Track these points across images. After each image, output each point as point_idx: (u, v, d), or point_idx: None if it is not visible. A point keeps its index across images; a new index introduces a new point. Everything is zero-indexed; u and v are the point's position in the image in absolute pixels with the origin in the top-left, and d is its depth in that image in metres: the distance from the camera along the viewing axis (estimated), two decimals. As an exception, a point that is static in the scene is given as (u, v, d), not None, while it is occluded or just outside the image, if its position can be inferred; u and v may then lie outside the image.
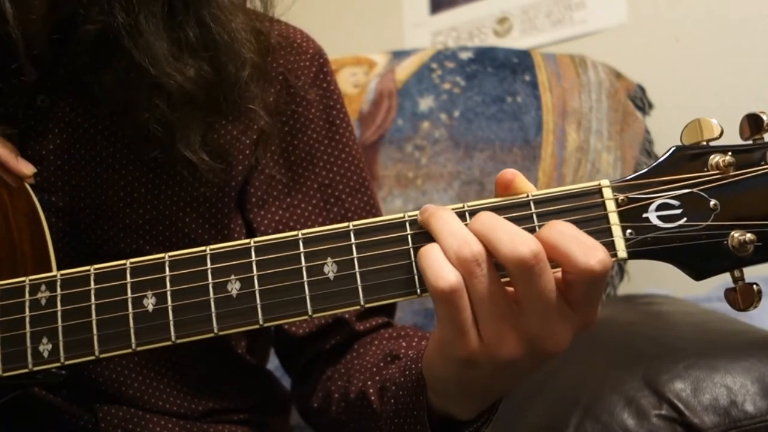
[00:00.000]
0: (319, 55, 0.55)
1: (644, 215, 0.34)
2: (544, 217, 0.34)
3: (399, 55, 0.96)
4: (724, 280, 0.36)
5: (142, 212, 0.48)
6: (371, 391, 0.45)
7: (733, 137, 0.35)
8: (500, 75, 0.89)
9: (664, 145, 0.58)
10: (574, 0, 1.06)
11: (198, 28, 0.45)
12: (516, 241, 0.31)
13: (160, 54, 0.43)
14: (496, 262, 0.32)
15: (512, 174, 0.35)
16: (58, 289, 0.38)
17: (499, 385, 0.36)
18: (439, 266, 0.32)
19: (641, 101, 0.90)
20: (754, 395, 0.44)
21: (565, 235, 0.32)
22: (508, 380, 0.36)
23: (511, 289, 0.33)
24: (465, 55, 0.92)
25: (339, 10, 1.19)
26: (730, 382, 0.44)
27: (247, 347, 0.54)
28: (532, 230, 0.33)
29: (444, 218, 0.33)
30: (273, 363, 0.59)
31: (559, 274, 0.33)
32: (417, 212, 0.36)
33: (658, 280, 0.84)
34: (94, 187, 0.47)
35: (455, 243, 0.32)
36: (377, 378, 0.46)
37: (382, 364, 0.47)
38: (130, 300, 0.37)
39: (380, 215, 0.53)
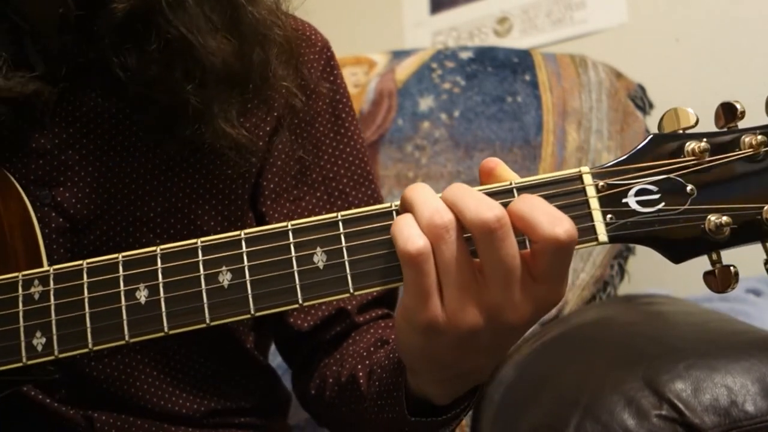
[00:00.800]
0: (327, 48, 0.55)
1: (623, 200, 0.34)
2: (526, 203, 0.35)
3: (399, 55, 0.96)
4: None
5: (154, 204, 0.47)
6: (361, 374, 0.46)
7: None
8: (500, 75, 0.89)
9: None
10: (575, 0, 1.06)
11: (231, 5, 0.45)
12: (481, 206, 0.32)
13: (201, 28, 0.43)
14: (466, 234, 0.33)
15: (494, 162, 0.36)
16: (51, 283, 0.38)
17: (466, 362, 0.36)
18: (408, 231, 0.33)
19: (641, 101, 0.90)
20: (754, 395, 0.43)
21: (534, 206, 0.33)
22: (473, 356, 0.36)
23: (477, 261, 0.33)
24: (465, 55, 0.92)
25: (339, 10, 1.19)
26: (731, 382, 0.44)
27: (255, 342, 0.54)
28: None
29: (419, 190, 0.34)
30: (274, 362, 0.59)
31: (527, 249, 0.34)
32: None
33: (658, 280, 0.83)
34: (102, 181, 0.46)
35: (427, 211, 0.33)
36: (367, 362, 0.46)
37: (372, 349, 0.47)
38: (122, 293, 0.37)
39: None
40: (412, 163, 0.88)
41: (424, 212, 0.33)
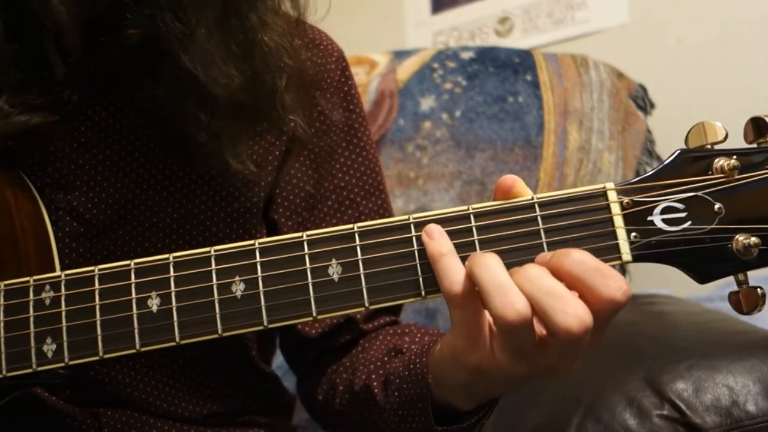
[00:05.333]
0: (342, 57, 0.55)
1: (649, 218, 0.34)
2: (548, 219, 0.34)
3: (400, 55, 0.96)
4: (727, 279, 0.36)
5: (171, 211, 0.47)
6: (375, 384, 0.46)
7: (734, 137, 0.36)
8: (502, 75, 0.89)
9: (666, 144, 0.58)
10: (576, 0, 1.06)
11: (245, 33, 0.45)
12: (568, 311, 0.31)
13: (211, 61, 0.42)
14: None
15: (512, 180, 0.35)
16: (63, 289, 0.38)
17: (504, 390, 0.38)
18: (454, 271, 0.32)
19: (643, 101, 0.90)
20: (756, 395, 0.43)
21: (586, 266, 0.32)
22: (513, 388, 0.37)
23: (540, 326, 0.33)
24: (466, 55, 0.92)
25: (340, 10, 1.18)
26: (732, 382, 0.44)
27: (258, 351, 0.54)
28: (536, 233, 0.34)
29: (490, 267, 0.32)
30: (274, 363, 0.59)
31: None
32: (422, 215, 0.36)
33: (659, 280, 0.84)
34: (119, 186, 0.46)
35: (498, 297, 0.31)
36: (381, 372, 0.46)
37: (386, 359, 0.47)
38: (134, 301, 0.37)
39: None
40: (413, 163, 0.88)
41: (495, 301, 0.31)
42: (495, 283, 0.32)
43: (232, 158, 0.45)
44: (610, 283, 0.31)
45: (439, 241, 0.34)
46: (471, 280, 0.32)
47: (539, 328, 0.33)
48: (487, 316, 0.34)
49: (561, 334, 0.31)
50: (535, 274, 0.32)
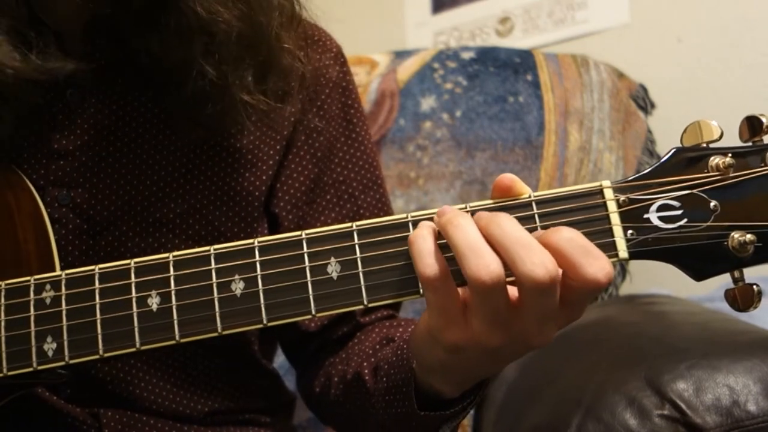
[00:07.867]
0: (341, 54, 0.56)
1: (645, 216, 0.34)
2: (545, 217, 0.35)
3: (401, 55, 0.96)
4: (727, 280, 0.36)
5: (173, 206, 0.48)
6: (366, 371, 0.46)
7: (735, 137, 0.36)
8: (502, 75, 0.89)
9: (667, 144, 0.58)
10: (576, 0, 1.06)
11: None
12: (535, 261, 0.31)
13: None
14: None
15: (510, 180, 0.35)
16: (63, 288, 0.39)
17: (483, 369, 0.37)
18: (428, 253, 0.32)
19: (643, 101, 0.90)
20: (756, 395, 0.43)
21: (574, 243, 0.32)
22: (491, 365, 0.37)
23: (513, 290, 0.33)
24: (467, 55, 0.92)
25: (340, 10, 1.18)
26: (733, 382, 0.44)
27: (260, 348, 0.54)
28: (534, 231, 0.34)
29: (462, 228, 0.32)
30: (275, 362, 0.59)
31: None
32: (420, 213, 0.36)
33: (660, 279, 0.84)
34: (122, 183, 0.47)
35: (473, 263, 0.31)
36: (372, 360, 0.47)
37: (378, 347, 0.48)
38: (134, 299, 0.38)
39: (392, 213, 0.55)
40: (413, 163, 0.88)
41: (470, 262, 0.31)
42: (469, 245, 0.32)
43: (243, 93, 0.44)
44: (595, 262, 0.32)
45: (419, 228, 0.34)
46: (444, 262, 0.32)
47: (512, 292, 0.33)
48: (460, 296, 0.34)
49: (527, 283, 0.31)
50: (506, 223, 0.32)
